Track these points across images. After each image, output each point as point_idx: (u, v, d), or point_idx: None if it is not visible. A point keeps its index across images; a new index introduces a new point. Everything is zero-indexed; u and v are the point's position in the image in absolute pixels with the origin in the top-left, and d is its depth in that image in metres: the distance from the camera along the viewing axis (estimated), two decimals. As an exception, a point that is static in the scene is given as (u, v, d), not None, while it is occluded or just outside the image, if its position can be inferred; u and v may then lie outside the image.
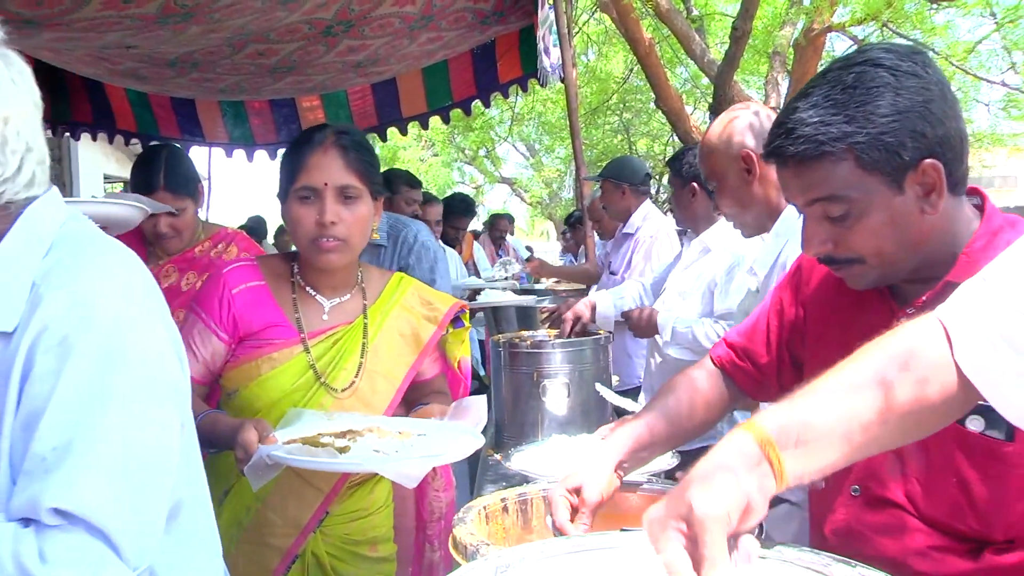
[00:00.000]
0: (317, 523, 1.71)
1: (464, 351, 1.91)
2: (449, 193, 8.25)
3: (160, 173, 2.34)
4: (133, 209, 1.83)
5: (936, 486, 1.14)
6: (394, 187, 3.77)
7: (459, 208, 5.62)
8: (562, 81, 3.48)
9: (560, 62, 3.33)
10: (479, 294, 4.20)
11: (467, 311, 1.87)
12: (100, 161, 10.47)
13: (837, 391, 0.88)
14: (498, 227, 7.90)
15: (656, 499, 1.26)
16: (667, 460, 1.67)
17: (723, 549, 0.78)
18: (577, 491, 1.22)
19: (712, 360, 1.52)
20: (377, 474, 1.73)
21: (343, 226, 1.61)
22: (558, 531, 1.18)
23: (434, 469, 1.98)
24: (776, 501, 1.58)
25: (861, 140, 1.09)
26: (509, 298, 3.95)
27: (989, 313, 0.85)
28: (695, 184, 2.84)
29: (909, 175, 1.10)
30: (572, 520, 1.19)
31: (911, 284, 1.20)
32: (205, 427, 1.49)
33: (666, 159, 3.06)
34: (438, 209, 4.91)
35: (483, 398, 1.68)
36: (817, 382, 0.90)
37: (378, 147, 21.37)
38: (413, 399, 1.84)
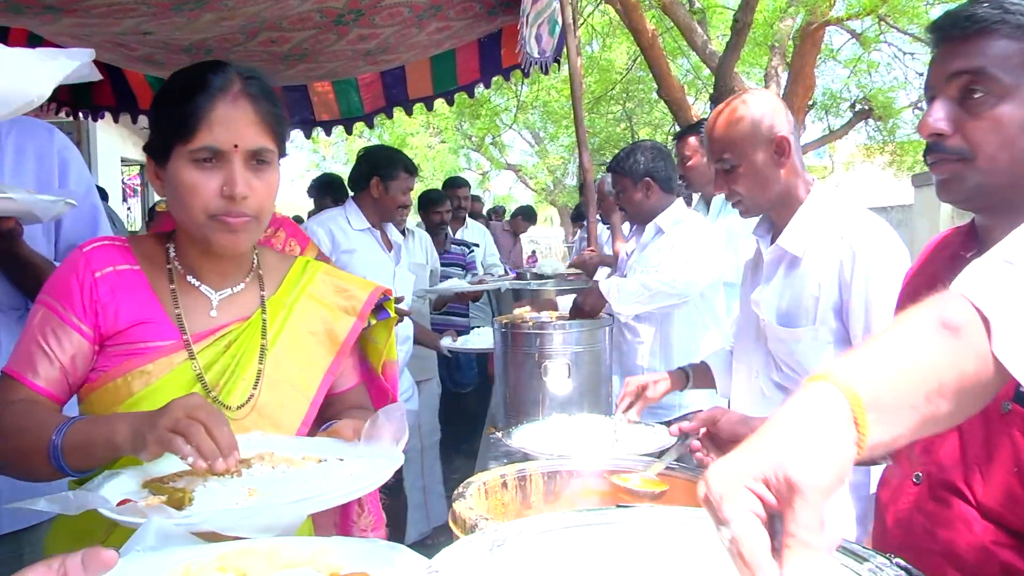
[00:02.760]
0: None
1: (391, 352, 1.51)
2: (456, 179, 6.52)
3: None
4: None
5: (995, 474, 1.08)
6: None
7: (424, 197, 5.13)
8: (557, 65, 3.52)
9: (553, 50, 3.38)
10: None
11: (391, 298, 1.49)
12: (118, 144, 10.64)
13: (909, 353, 0.72)
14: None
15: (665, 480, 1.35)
16: (662, 440, 1.75)
17: (818, 529, 0.62)
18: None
19: None
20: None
21: (255, 199, 1.26)
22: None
23: (359, 504, 1.57)
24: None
25: None
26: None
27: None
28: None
29: None
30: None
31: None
32: (76, 441, 1.13)
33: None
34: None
35: (401, 405, 1.30)
36: (882, 342, 0.74)
37: (387, 134, 21.10)
38: (323, 419, 1.42)
